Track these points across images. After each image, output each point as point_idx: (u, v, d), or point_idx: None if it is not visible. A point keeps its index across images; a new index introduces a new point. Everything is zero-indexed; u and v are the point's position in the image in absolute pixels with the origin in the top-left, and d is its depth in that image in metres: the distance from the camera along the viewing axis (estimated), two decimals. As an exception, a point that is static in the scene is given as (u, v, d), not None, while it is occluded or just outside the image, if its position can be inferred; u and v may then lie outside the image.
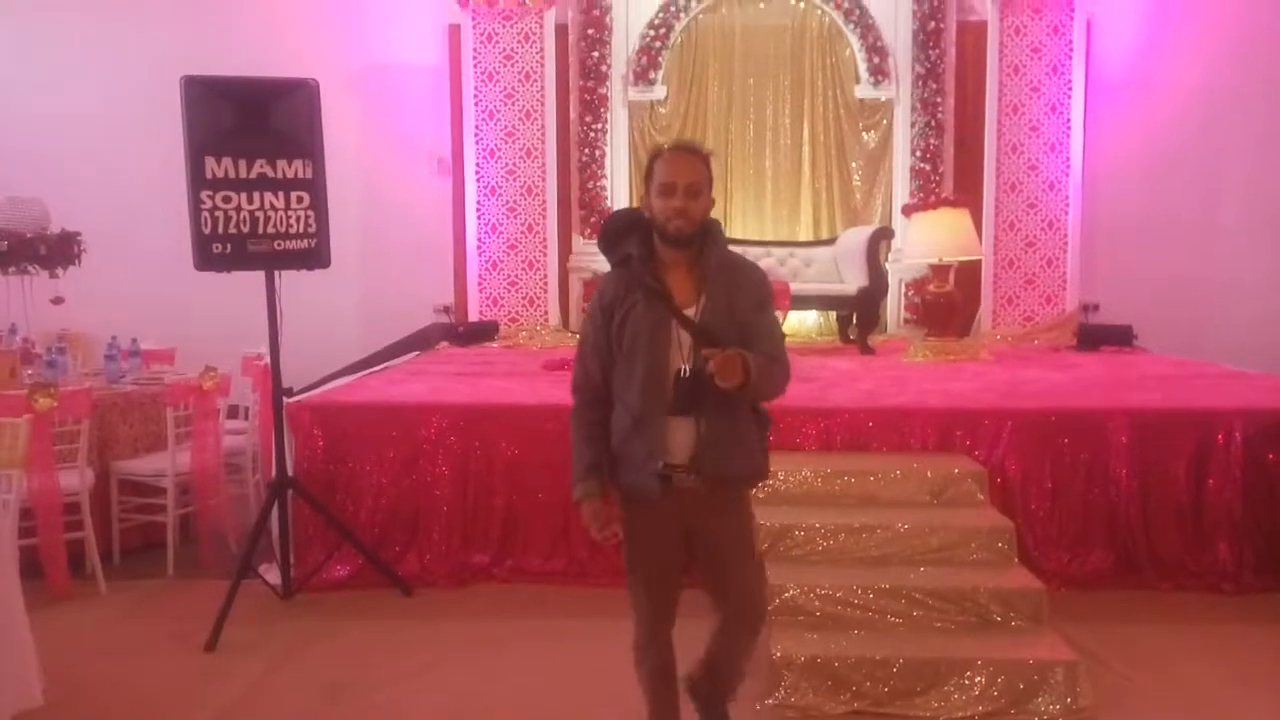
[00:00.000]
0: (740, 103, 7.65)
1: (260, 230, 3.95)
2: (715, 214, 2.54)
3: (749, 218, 7.69)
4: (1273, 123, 7.47)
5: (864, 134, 7.68)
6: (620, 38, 7.52)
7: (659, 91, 7.60)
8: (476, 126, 7.45)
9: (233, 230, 3.91)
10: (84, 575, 4.33)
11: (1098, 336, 6.88)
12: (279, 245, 4.00)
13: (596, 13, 7.47)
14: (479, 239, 7.52)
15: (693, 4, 7.49)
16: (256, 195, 3.94)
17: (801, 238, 7.62)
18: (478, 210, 7.49)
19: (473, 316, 7.51)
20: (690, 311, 2.39)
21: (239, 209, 3.92)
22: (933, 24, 7.40)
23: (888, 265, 6.95)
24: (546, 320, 7.55)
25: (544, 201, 7.50)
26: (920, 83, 7.45)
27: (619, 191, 7.64)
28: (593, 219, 7.62)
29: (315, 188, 4.05)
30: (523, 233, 7.53)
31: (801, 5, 7.56)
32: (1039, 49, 7.35)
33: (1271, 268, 7.49)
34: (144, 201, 6.97)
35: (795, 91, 7.63)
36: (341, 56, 7.44)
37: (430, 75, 7.68)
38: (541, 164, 7.48)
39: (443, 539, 4.38)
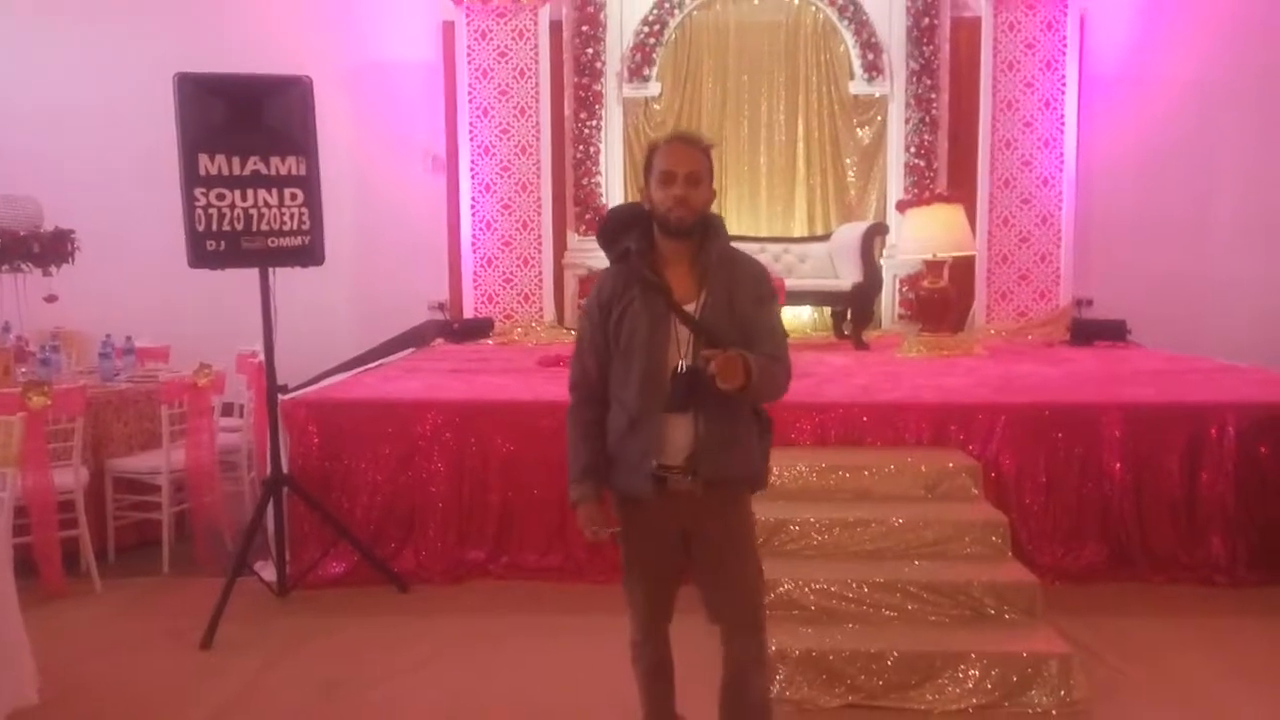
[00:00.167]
0: (735, 99, 7.65)
1: (254, 227, 3.95)
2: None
3: (744, 214, 7.69)
4: (1266, 118, 7.49)
5: (858, 130, 7.69)
6: (615, 34, 7.52)
7: (653, 88, 7.60)
8: (471, 123, 7.44)
9: (226, 227, 3.91)
10: (79, 573, 4.32)
11: (1091, 331, 6.90)
12: (273, 242, 3.99)
13: (591, 9, 7.48)
14: (473, 236, 7.52)
15: (687, 0, 7.49)
16: (250, 192, 3.93)
17: (796, 234, 7.63)
18: (472, 207, 7.49)
19: (468, 313, 7.50)
20: (690, 307, 2.33)
21: (233, 206, 3.91)
22: (927, 20, 7.42)
23: (882, 261, 6.96)
24: (541, 317, 7.54)
25: (539, 198, 7.50)
26: (914, 79, 7.46)
27: (614, 188, 7.64)
28: (587, 216, 7.62)
29: (309, 185, 4.05)
30: (517, 229, 7.53)
31: (796, 1, 7.57)
32: (1033, 45, 7.36)
33: (1265, 263, 7.51)
34: (138, 199, 6.95)
35: (790, 88, 7.63)
36: (335, 53, 7.43)
37: (424, 72, 7.67)
38: (536, 161, 7.47)
39: (438, 535, 4.39)
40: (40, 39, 7.55)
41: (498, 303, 7.55)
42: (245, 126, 3.92)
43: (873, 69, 7.49)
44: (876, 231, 6.84)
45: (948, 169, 7.55)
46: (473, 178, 7.47)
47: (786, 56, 7.62)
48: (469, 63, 7.41)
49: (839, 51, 7.59)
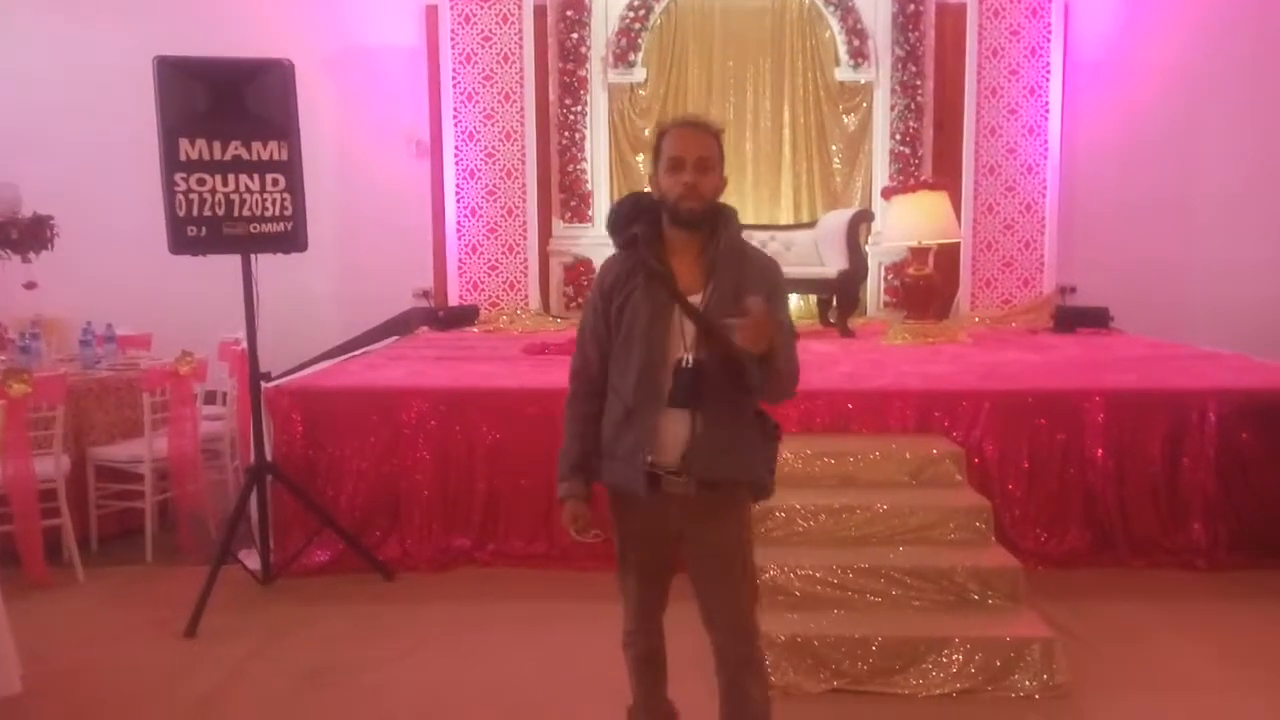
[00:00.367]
0: (720, 85, 7.63)
1: (235, 213, 3.91)
2: None
3: (729, 201, 7.61)
4: (1250, 105, 7.53)
5: (844, 117, 7.69)
6: (599, 19, 7.48)
7: (639, 74, 7.57)
8: (455, 109, 7.40)
9: (207, 213, 3.87)
10: (61, 563, 4.29)
11: (1074, 318, 6.94)
12: (255, 228, 3.95)
13: (575, -6, 7.43)
14: (458, 222, 7.48)
15: (672, -15, 7.47)
16: (231, 177, 3.89)
17: (782, 221, 7.63)
18: (457, 193, 7.45)
19: (452, 301, 7.48)
20: (695, 299, 2.22)
21: (214, 191, 3.87)
22: (912, 6, 7.41)
23: (867, 248, 6.97)
24: (527, 304, 7.53)
25: (524, 184, 7.47)
26: (900, 65, 7.46)
27: (599, 175, 7.62)
28: (573, 203, 7.60)
29: (291, 170, 4.01)
30: (502, 216, 7.50)
31: (781, -13, 7.55)
32: (1017, 31, 7.37)
33: (1247, 251, 7.56)
34: (118, 184, 6.88)
35: (775, 74, 7.62)
36: (318, 38, 7.37)
37: (408, 57, 7.61)
38: (521, 147, 7.44)
39: (424, 523, 4.38)
40: (17, 22, 7.45)
41: (483, 290, 7.53)
42: (226, 111, 3.87)
43: (858, 55, 7.49)
44: (862, 219, 6.85)
45: (933, 156, 7.56)
46: (457, 164, 7.43)
47: (772, 42, 7.61)
48: (453, 47, 7.36)
49: (824, 37, 7.58)
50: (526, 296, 7.55)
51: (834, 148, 7.72)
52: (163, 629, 3.73)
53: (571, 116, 7.55)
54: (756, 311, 2.06)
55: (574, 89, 7.52)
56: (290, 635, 3.69)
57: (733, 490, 2.33)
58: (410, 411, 4.38)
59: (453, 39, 7.35)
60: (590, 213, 7.62)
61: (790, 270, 7.14)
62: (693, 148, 2.26)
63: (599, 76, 7.53)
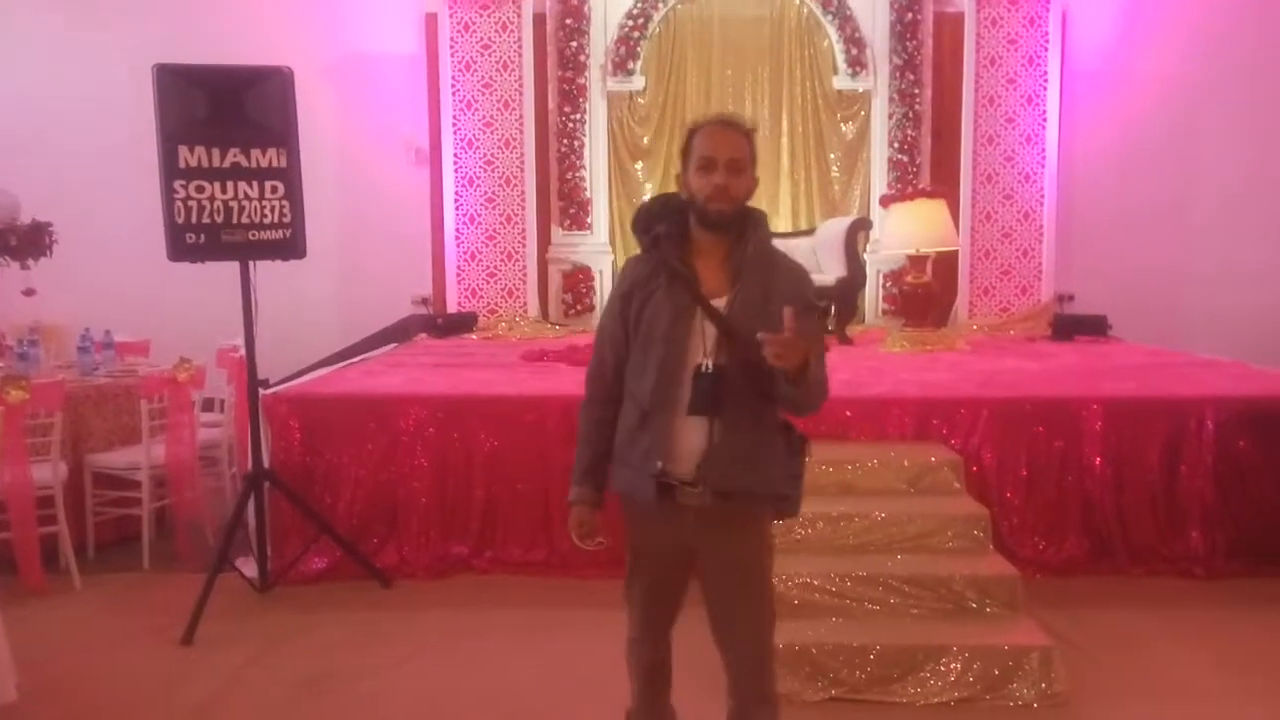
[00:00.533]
0: (719, 94, 7.64)
1: (234, 220, 3.92)
2: None
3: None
4: (1247, 114, 7.55)
5: (842, 125, 7.70)
6: (598, 28, 7.49)
7: (637, 82, 7.59)
8: (454, 116, 7.42)
9: (206, 220, 3.88)
10: (58, 570, 4.28)
11: (1072, 326, 6.94)
12: (253, 235, 3.96)
13: (575, 2, 7.45)
14: (457, 230, 7.49)
15: (671, -6, 7.48)
16: (230, 185, 3.90)
17: (780, 229, 7.62)
18: (456, 201, 7.47)
19: (451, 308, 7.48)
20: (719, 303, 2.14)
21: (213, 199, 3.88)
22: (910, 15, 7.44)
23: (865, 256, 6.98)
24: (525, 311, 7.53)
25: (523, 192, 7.48)
26: (898, 74, 7.48)
27: (598, 182, 7.63)
28: (572, 210, 7.61)
29: (290, 177, 4.01)
30: (501, 223, 7.51)
31: (779, -4, 7.57)
32: (1015, 40, 7.40)
33: (1244, 257, 7.59)
34: (116, 191, 6.89)
35: (774, 82, 7.64)
36: (318, 45, 7.39)
37: (407, 64, 7.63)
38: (520, 154, 7.46)
39: (422, 530, 4.37)
40: (17, 29, 7.47)
41: (481, 297, 7.54)
42: (225, 118, 3.88)
43: (856, 64, 7.51)
44: (860, 226, 6.86)
45: (930, 164, 7.58)
46: (456, 171, 7.45)
47: (771, 51, 7.63)
48: (452, 55, 7.38)
49: (823, 46, 7.60)
50: (525, 304, 7.55)
51: (832, 156, 7.73)
52: (159, 636, 3.72)
53: (570, 124, 7.56)
54: (790, 326, 1.96)
55: (573, 97, 7.54)
56: (287, 643, 3.68)
57: (751, 504, 2.23)
58: (408, 419, 4.38)
59: (452, 47, 7.38)
60: (589, 220, 7.63)
61: (788, 278, 7.21)
62: (725, 148, 2.18)
63: (598, 84, 7.55)
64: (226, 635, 3.72)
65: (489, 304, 7.53)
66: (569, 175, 7.60)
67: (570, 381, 4.78)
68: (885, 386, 4.69)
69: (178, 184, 3.83)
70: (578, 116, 7.56)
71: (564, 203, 7.63)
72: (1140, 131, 7.59)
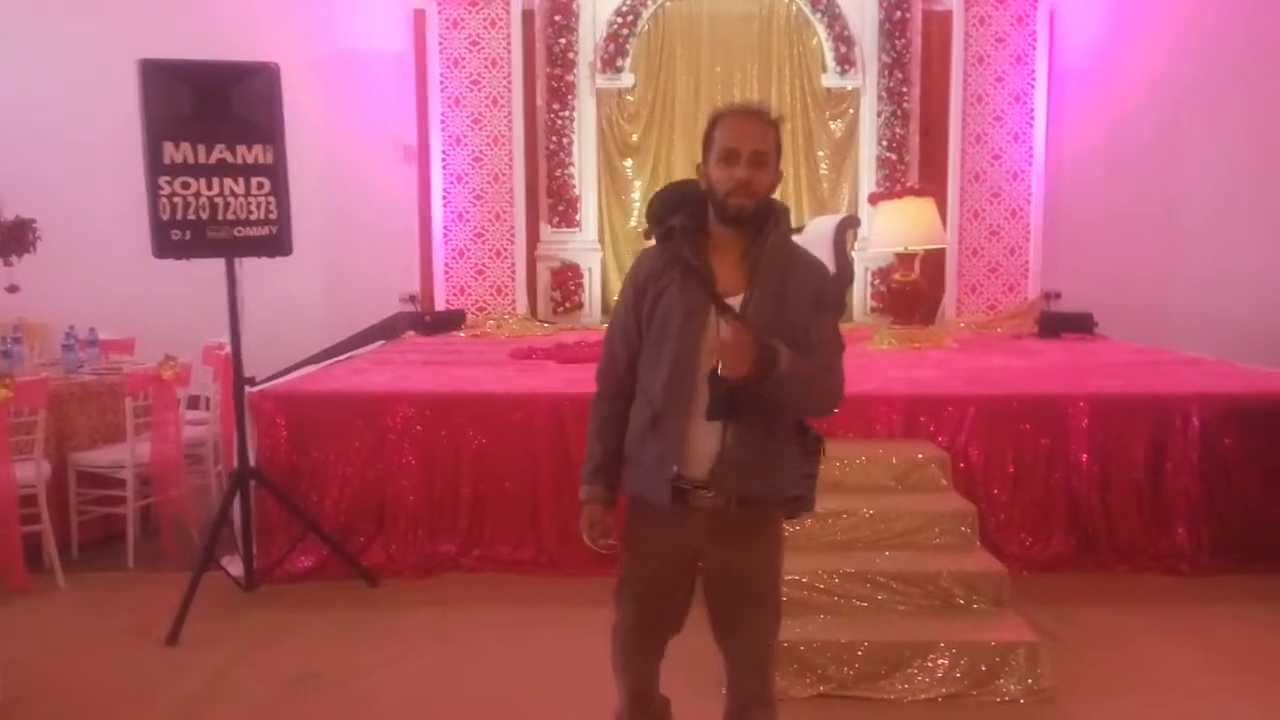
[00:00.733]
0: (708, 91, 7.63)
1: (220, 216, 3.89)
2: None
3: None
4: (1233, 113, 7.59)
5: (831, 123, 7.70)
6: (587, 25, 7.47)
7: (626, 79, 7.57)
8: (442, 113, 7.39)
9: (192, 216, 3.85)
10: (42, 569, 4.24)
11: (1059, 324, 6.98)
12: (239, 232, 3.93)
13: (563, -1, 7.44)
14: (445, 227, 7.47)
15: (660, -9, 7.47)
16: (216, 181, 3.88)
17: (769, 226, 7.63)
18: (444, 198, 7.44)
19: (439, 305, 7.46)
20: (735, 301, 2.05)
21: (198, 195, 3.85)
22: (899, 13, 7.44)
23: (854, 254, 6.99)
24: (514, 309, 7.51)
25: (511, 189, 7.46)
26: (886, 72, 7.49)
27: (587, 180, 7.61)
28: (560, 207, 7.59)
29: (276, 173, 3.99)
30: (490, 221, 7.49)
31: (768, -7, 7.57)
32: (1003, 39, 7.42)
33: (1230, 256, 7.63)
34: (101, 187, 6.83)
35: (763, 80, 7.63)
36: (305, 41, 7.35)
37: (395, 61, 7.60)
38: (509, 151, 7.44)
39: (409, 529, 4.35)
40: (0, 25, 7.40)
41: (470, 295, 7.52)
42: (211, 114, 3.86)
43: (845, 62, 7.51)
44: (849, 224, 6.84)
45: (919, 162, 7.58)
46: (444, 168, 7.42)
47: (760, 49, 7.62)
48: (440, 52, 7.35)
49: (812, 44, 7.60)
50: (514, 301, 7.54)
51: (821, 154, 7.73)
52: (144, 636, 3.70)
53: (559, 121, 7.54)
54: (728, 334, 1.93)
55: (562, 94, 7.52)
56: (274, 642, 3.66)
57: (764, 509, 2.17)
58: (396, 416, 4.36)
59: (440, 43, 7.35)
60: (578, 218, 7.62)
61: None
62: (749, 139, 2.06)
63: (587, 82, 7.53)
64: (212, 634, 3.69)
65: (477, 301, 7.51)
66: (558, 172, 7.58)
67: (559, 379, 4.78)
68: (873, 384, 4.69)
69: (163, 180, 3.80)
70: (566, 114, 7.54)
71: (553, 200, 7.61)
72: (1127, 130, 7.62)
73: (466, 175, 7.44)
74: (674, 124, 7.64)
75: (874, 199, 6.94)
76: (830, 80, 7.58)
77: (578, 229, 7.63)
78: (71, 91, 7.16)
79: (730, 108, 2.15)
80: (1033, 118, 7.46)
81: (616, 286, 7.56)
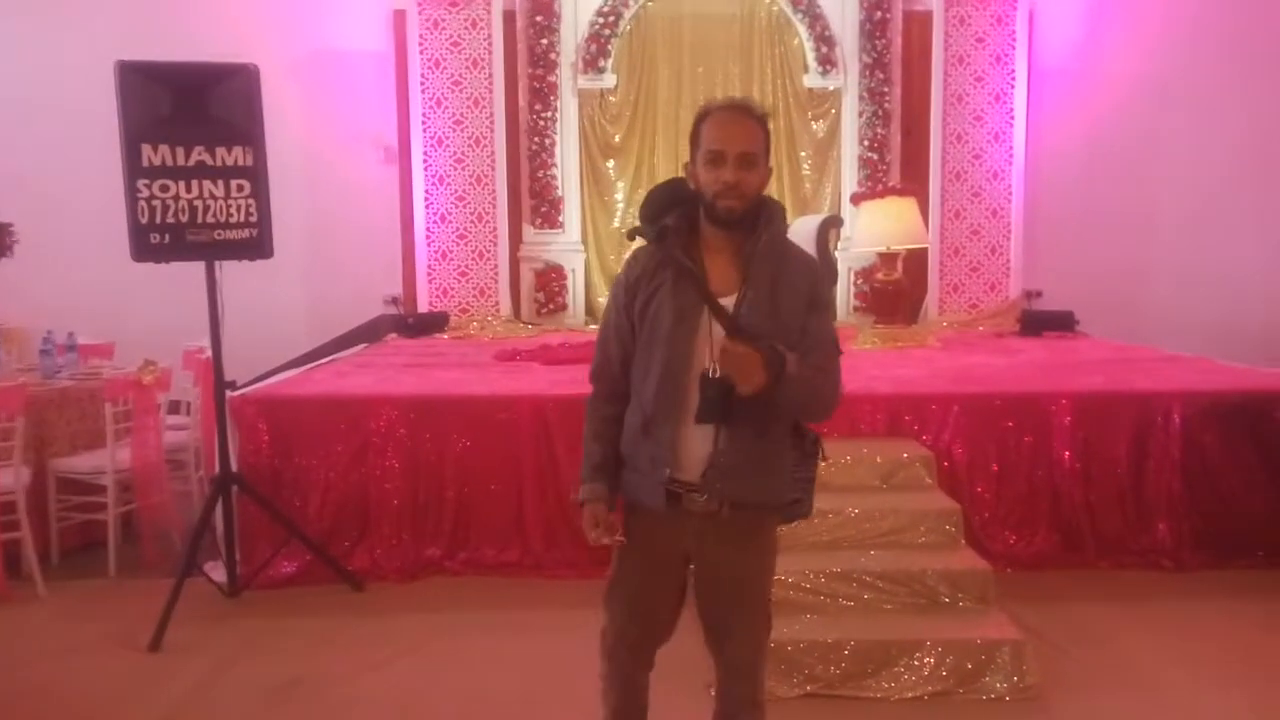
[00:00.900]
0: (690, 91, 7.63)
1: (199, 219, 3.86)
2: None
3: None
4: (1211, 112, 7.65)
5: (813, 123, 7.72)
6: (569, 25, 7.46)
7: (609, 80, 7.56)
8: (424, 114, 7.36)
9: (171, 220, 3.82)
10: (21, 577, 4.20)
11: (1040, 322, 7.02)
12: (219, 235, 3.90)
13: (544, -1, 7.42)
14: (427, 229, 7.44)
15: (641, -9, 7.47)
16: (195, 183, 3.84)
17: (752, 226, 7.63)
18: (426, 199, 7.41)
19: (422, 307, 7.42)
20: (728, 301, 2.01)
21: (177, 198, 3.82)
22: (879, 14, 7.47)
23: (837, 253, 7.01)
24: (498, 311, 7.49)
25: (493, 190, 7.44)
26: (867, 72, 7.51)
27: (569, 181, 7.60)
28: (543, 209, 7.57)
29: (256, 176, 3.96)
30: (472, 222, 7.46)
31: (750, -6, 7.58)
32: (983, 39, 7.46)
33: (1210, 254, 7.69)
34: (79, 191, 6.76)
35: (745, 80, 7.63)
36: (284, 42, 7.29)
37: (376, 61, 7.55)
38: (491, 152, 7.41)
39: (393, 533, 4.33)
40: (-26, 26, 7.31)
41: (453, 297, 7.49)
42: (190, 116, 3.83)
43: (826, 62, 7.53)
44: (831, 224, 6.86)
45: (900, 162, 7.62)
46: (426, 169, 7.39)
47: (741, 49, 7.63)
48: (421, 52, 7.32)
49: (793, 45, 7.62)
50: (497, 303, 7.51)
51: (803, 154, 7.75)
52: (126, 643, 3.66)
53: (541, 122, 7.52)
54: (730, 351, 1.90)
55: (544, 94, 7.50)
56: (257, 648, 3.63)
57: (757, 513, 2.14)
58: (379, 419, 4.33)
59: (421, 44, 7.32)
60: (561, 219, 7.60)
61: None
62: (736, 140, 2.02)
63: (569, 82, 7.51)
64: (194, 641, 3.66)
65: (460, 303, 7.48)
66: (540, 173, 7.56)
67: (543, 381, 4.76)
68: (857, 383, 4.70)
69: (141, 183, 3.77)
70: (549, 114, 7.52)
71: (535, 201, 7.59)
72: (1106, 130, 7.67)
73: (448, 176, 7.41)
74: (656, 124, 7.64)
75: (856, 199, 6.96)
76: (812, 80, 7.60)
77: (561, 230, 7.61)
78: (49, 93, 7.08)
79: (716, 104, 2.10)
80: (1012, 117, 7.51)
81: (600, 287, 7.57)
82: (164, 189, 3.80)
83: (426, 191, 7.40)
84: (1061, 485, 4.35)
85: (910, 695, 3.16)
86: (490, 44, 7.35)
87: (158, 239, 3.81)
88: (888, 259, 6.49)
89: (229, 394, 4.18)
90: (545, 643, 3.61)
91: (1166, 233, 7.75)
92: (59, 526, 4.61)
